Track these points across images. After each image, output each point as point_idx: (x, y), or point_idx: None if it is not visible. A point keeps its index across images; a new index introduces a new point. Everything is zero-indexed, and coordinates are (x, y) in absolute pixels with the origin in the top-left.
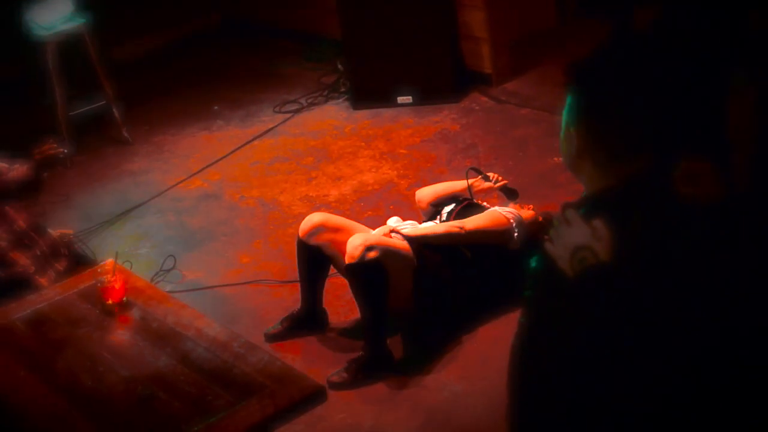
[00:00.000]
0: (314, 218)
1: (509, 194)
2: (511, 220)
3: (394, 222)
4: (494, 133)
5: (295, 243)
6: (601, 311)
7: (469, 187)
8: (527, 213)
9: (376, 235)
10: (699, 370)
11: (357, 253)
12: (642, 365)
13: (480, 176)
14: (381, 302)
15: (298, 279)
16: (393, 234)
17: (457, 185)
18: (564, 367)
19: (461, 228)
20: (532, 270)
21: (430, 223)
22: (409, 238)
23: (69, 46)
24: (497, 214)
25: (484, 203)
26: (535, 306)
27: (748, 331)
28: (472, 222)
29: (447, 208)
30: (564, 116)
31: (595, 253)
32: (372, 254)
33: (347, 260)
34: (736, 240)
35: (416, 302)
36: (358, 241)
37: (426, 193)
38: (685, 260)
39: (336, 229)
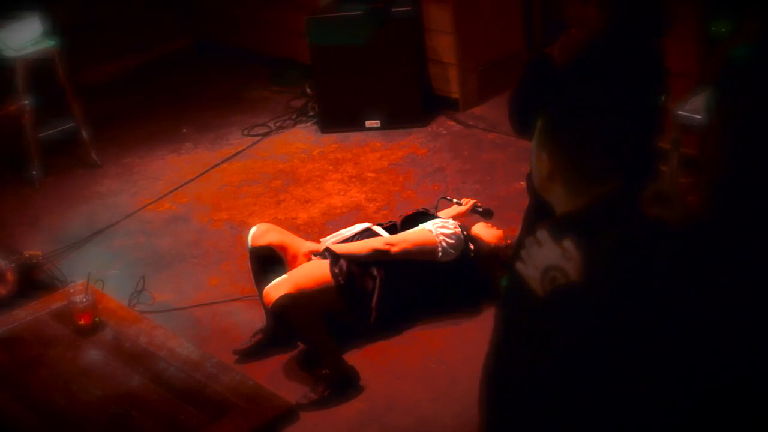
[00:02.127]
0: (260, 225)
1: (483, 215)
2: (438, 237)
3: (329, 239)
4: (462, 157)
5: (248, 257)
6: (572, 330)
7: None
8: (493, 233)
9: (286, 276)
10: (667, 386)
11: (272, 297)
12: (612, 383)
13: (453, 203)
14: (311, 334)
15: (256, 293)
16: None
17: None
18: (536, 385)
19: (389, 249)
20: (503, 289)
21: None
22: (338, 255)
23: (38, 68)
24: (425, 232)
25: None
26: (506, 325)
27: (716, 346)
28: (400, 244)
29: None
30: (534, 140)
31: (565, 273)
32: (282, 292)
33: (267, 307)
34: (701, 260)
35: (351, 314)
36: (270, 288)
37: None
38: (652, 280)
39: (282, 233)
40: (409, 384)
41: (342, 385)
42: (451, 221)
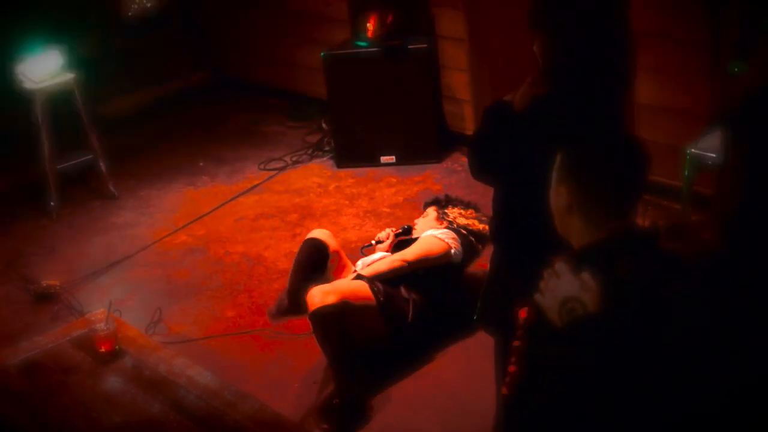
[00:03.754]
0: (323, 230)
1: (405, 233)
2: (446, 240)
3: (359, 265)
4: (476, 193)
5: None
6: (590, 360)
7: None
8: (465, 220)
9: (335, 285)
10: (686, 415)
11: (317, 301)
12: (631, 412)
13: (374, 245)
14: (341, 346)
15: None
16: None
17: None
18: (556, 414)
19: (403, 261)
20: (522, 321)
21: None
22: (366, 278)
23: (58, 101)
24: (431, 238)
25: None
26: (526, 356)
27: (732, 376)
28: (411, 253)
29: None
30: (553, 174)
31: (583, 304)
32: (329, 301)
33: (309, 308)
34: (717, 293)
35: (387, 331)
36: (318, 291)
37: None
38: (669, 312)
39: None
40: (420, 415)
41: (352, 412)
42: (444, 229)
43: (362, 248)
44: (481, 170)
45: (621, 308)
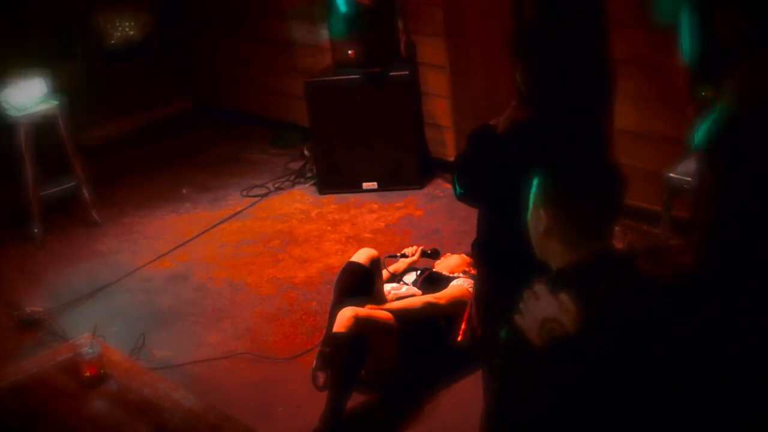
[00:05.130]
0: (372, 251)
1: (432, 255)
2: (470, 289)
3: (388, 291)
4: (458, 218)
5: (342, 270)
6: (568, 379)
7: (391, 273)
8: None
9: (367, 312)
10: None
11: (347, 323)
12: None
13: (399, 258)
14: (352, 375)
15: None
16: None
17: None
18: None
19: (437, 300)
20: (502, 340)
21: (409, 288)
22: (393, 311)
23: (41, 128)
24: (460, 286)
25: (444, 273)
26: (504, 375)
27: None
28: (445, 296)
29: (407, 278)
30: (531, 197)
31: (562, 324)
32: (359, 327)
33: (336, 328)
34: (691, 312)
35: (397, 362)
36: (349, 312)
37: None
38: (645, 332)
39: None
40: None
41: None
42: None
43: (386, 257)
44: (464, 192)
45: (598, 329)
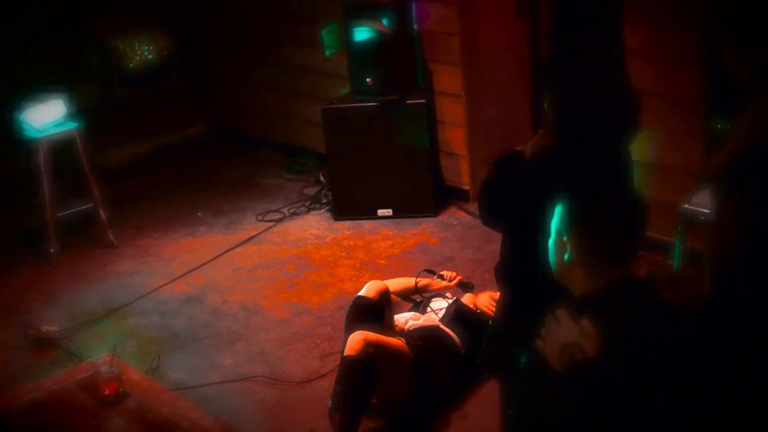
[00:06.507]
0: (381, 283)
1: (465, 288)
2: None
3: (409, 320)
4: (471, 246)
5: (350, 304)
6: (588, 405)
7: (417, 285)
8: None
9: (377, 337)
10: None
11: (357, 347)
12: None
13: (434, 277)
14: (363, 399)
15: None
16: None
17: (411, 281)
18: None
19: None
20: (523, 365)
21: (427, 318)
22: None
23: (60, 149)
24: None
25: (470, 306)
26: (524, 400)
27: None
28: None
29: (435, 304)
30: (554, 225)
31: (582, 350)
32: (370, 351)
33: (346, 352)
34: (711, 339)
35: (413, 391)
36: (359, 336)
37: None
38: (665, 358)
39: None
40: None
41: None
42: None
43: (423, 270)
44: (489, 216)
45: (619, 354)
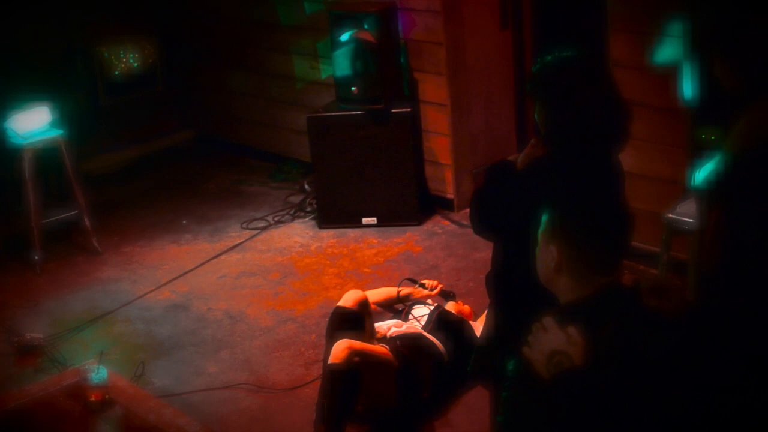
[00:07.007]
0: (359, 293)
1: (447, 296)
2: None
3: (391, 326)
4: (456, 255)
5: (330, 315)
6: (575, 412)
7: (399, 295)
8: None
9: (362, 345)
10: None
11: (342, 355)
12: None
13: (416, 285)
14: (348, 408)
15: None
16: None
17: (392, 291)
18: None
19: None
20: (510, 372)
21: (409, 325)
22: (391, 347)
23: (44, 156)
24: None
25: (453, 312)
26: (512, 406)
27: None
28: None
29: (416, 311)
30: (540, 233)
31: (569, 357)
32: (355, 359)
33: (331, 360)
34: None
35: (398, 398)
36: (344, 344)
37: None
38: (651, 365)
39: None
40: None
41: None
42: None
43: (405, 279)
44: (481, 226)
45: (605, 362)
